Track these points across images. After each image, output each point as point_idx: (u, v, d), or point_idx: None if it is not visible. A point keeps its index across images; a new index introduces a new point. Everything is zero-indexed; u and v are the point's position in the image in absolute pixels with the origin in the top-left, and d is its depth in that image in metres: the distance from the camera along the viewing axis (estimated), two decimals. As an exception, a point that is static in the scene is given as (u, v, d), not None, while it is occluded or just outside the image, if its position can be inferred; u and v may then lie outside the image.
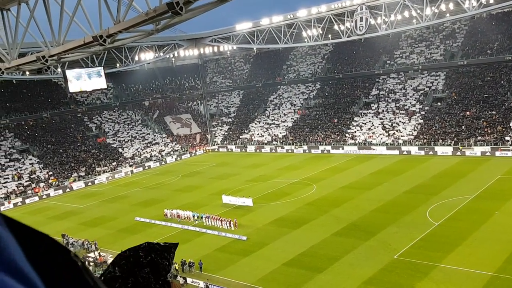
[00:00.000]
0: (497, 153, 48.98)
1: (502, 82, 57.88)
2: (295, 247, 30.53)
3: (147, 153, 72.01)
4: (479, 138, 52.05)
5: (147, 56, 70.12)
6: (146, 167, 68.16)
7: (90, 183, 60.96)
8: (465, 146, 51.91)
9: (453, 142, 53.41)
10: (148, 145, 74.53)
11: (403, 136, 58.94)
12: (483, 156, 49.73)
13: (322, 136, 66.60)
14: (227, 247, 32.67)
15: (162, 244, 1.68)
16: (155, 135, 77.96)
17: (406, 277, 24.88)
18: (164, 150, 74.21)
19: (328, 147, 63.74)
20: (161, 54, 72.31)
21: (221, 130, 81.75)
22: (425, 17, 49.15)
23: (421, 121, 60.14)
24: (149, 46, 67.15)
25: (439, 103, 61.63)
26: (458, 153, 51.81)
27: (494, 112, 54.60)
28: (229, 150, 75.64)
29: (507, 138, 50.00)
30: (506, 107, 54.29)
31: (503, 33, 60.35)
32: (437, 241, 28.99)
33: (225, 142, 78.02)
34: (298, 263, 28.23)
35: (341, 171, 51.57)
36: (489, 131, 52.23)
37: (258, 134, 74.96)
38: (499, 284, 22.73)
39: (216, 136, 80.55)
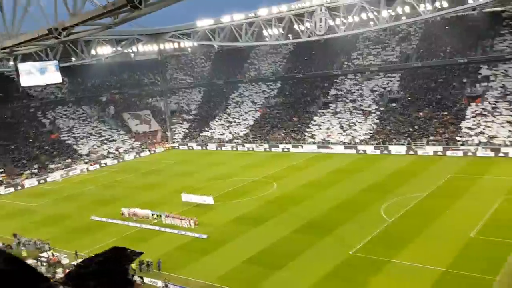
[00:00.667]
0: (448, 153, 51.21)
1: (454, 84, 60.51)
2: (255, 245, 30.75)
3: (104, 150, 70.16)
4: (431, 138, 54.21)
5: (105, 50, 68.24)
6: (103, 165, 66.41)
7: (43, 181, 58.76)
8: (418, 145, 53.91)
9: (406, 141, 55.36)
10: (105, 142, 72.63)
11: (360, 135, 60.51)
12: (435, 155, 51.84)
13: (283, 134, 67.30)
14: (187, 245, 32.45)
15: (129, 250, 1.70)
16: (112, 132, 76.08)
17: (361, 272, 25.64)
18: (122, 147, 72.56)
19: (289, 146, 64.51)
20: (120, 48, 70.50)
21: (181, 127, 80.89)
22: (382, 19, 50.68)
23: (377, 121, 61.94)
24: (107, 40, 65.32)
25: (394, 104, 63.67)
26: (412, 152, 53.78)
27: (446, 113, 57.03)
28: (190, 148, 75.00)
29: (458, 138, 52.37)
30: (457, 108, 56.83)
31: (456, 37, 62.95)
32: (391, 237, 30.03)
33: (186, 139, 77.27)
34: (258, 261, 28.46)
35: (301, 169, 52.33)
36: (441, 131, 54.52)
37: (219, 132, 74.73)
38: (449, 280, 23.79)
39: (177, 134, 79.62)
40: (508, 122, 50.76)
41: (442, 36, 64.29)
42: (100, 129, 75.51)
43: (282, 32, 60.88)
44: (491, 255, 25.51)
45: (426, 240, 28.92)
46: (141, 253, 1.80)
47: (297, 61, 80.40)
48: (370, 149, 57.58)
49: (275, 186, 45.54)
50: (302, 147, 63.36)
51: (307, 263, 27.36)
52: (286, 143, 65.29)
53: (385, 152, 56.04)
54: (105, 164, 66.73)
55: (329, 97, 71.06)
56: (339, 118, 65.75)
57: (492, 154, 48.40)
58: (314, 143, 63.10)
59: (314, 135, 64.69)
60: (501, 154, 47.88)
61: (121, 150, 71.39)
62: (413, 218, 32.89)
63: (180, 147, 76.31)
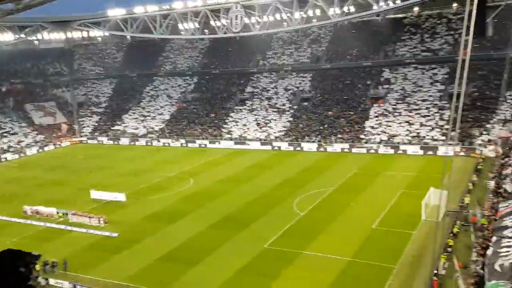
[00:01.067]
0: (354, 150, 54.70)
1: (360, 85, 64.66)
2: (170, 242, 30.36)
3: (4, 143, 64.36)
4: (339, 136, 57.47)
5: (6, 37, 62.72)
6: (3, 159, 60.99)
7: None
8: (327, 142, 56.82)
9: (317, 139, 58.08)
10: (5, 135, 66.66)
11: (275, 132, 62.24)
12: (342, 152, 55.07)
13: (200, 130, 66.92)
14: (96, 245, 31.06)
15: (23, 252, 1.67)
16: (13, 124, 70.06)
17: (274, 264, 26.51)
18: (24, 141, 67.10)
19: (206, 142, 64.37)
20: (22, 35, 65.09)
21: (90, 120, 76.81)
22: (294, 21, 52.52)
23: (291, 119, 64.16)
24: (8, 27, 60.02)
25: (306, 103, 66.39)
26: (322, 149, 56.58)
27: (352, 113, 60.76)
28: (100, 142, 71.51)
29: (362, 136, 56.10)
30: (362, 109, 60.83)
31: (362, 41, 67.27)
32: (302, 230, 31.42)
33: (95, 133, 73.53)
34: (173, 258, 28.14)
35: (218, 165, 52.53)
36: (348, 130, 58.02)
37: (132, 126, 72.19)
38: (355, 268, 25.53)
39: (85, 127, 75.44)
40: (406, 122, 55.45)
41: (349, 40, 68.27)
42: (0, 121, 69.22)
43: (198, 26, 60.44)
44: (390, 244, 27.90)
45: (333, 232, 30.69)
46: (38, 255, 1.78)
47: (213, 57, 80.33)
48: (284, 145, 59.49)
49: (191, 181, 45.23)
50: (219, 143, 63.57)
51: (223, 258, 27.66)
52: (203, 138, 65.08)
53: (298, 148, 58.30)
54: (5, 158, 61.37)
55: (245, 94, 72.04)
56: (255, 115, 66.96)
57: (392, 151, 52.61)
58: (231, 139, 63.63)
59: (231, 131, 65.23)
60: (400, 152, 52.21)
61: (22, 144, 66.00)
62: (322, 211, 34.69)
63: (89, 141, 72.48)
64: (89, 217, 34.57)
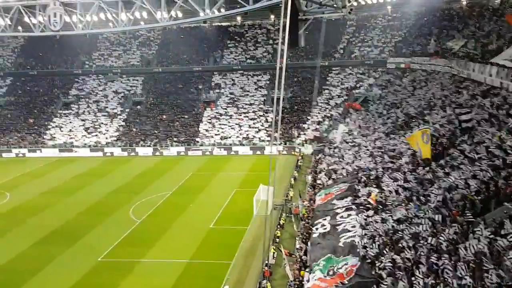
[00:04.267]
0: (190, 153, 55.65)
1: (192, 90, 66.01)
2: (-17, 269, 26.32)
3: None
4: (174, 139, 57.72)
5: None
6: None
7: None
8: (163, 146, 56.54)
9: (153, 143, 57.29)
10: None
11: (106, 138, 59.20)
12: (179, 155, 55.50)
13: (16, 138, 59.39)
14: None
15: None
16: None
17: (110, 277, 25.26)
18: None
19: (24, 150, 57.54)
20: None
21: None
22: (121, 22, 50.67)
23: (123, 123, 61.87)
24: None
25: (138, 107, 64.86)
26: (158, 153, 56.04)
27: (186, 116, 61.68)
28: None
29: (197, 139, 57.40)
30: (195, 112, 62.24)
31: (192, 46, 68.77)
32: (139, 237, 30.63)
33: None
34: (-13, 286, 24.49)
35: (40, 175, 47.52)
36: (183, 133, 58.69)
37: None
38: (194, 269, 25.97)
39: None
40: (237, 124, 58.77)
41: (180, 45, 69.16)
42: None
43: (10, 23, 53.56)
44: (226, 241, 29.25)
45: (172, 236, 30.74)
46: None
47: (30, 57, 72.26)
48: (117, 151, 57.04)
49: (8, 196, 39.96)
50: (40, 151, 57.53)
51: (53, 276, 25.21)
52: (21, 147, 57.98)
53: (133, 154, 56.58)
54: None
55: (70, 97, 66.75)
56: (83, 119, 62.56)
57: (225, 152, 55.17)
58: (55, 146, 58.17)
59: (54, 137, 59.61)
60: (232, 153, 55.08)
61: None
62: (160, 217, 34.42)
63: None
64: None
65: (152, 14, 34.96)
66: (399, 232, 19.53)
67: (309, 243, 24.04)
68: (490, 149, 21.26)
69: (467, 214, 17.58)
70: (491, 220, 16.26)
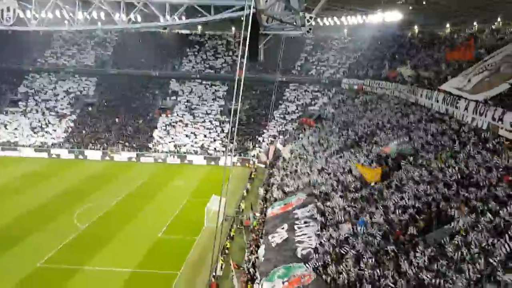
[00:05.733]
0: (142, 159, 54.47)
1: (148, 94, 64.94)
2: None
3: None
4: (126, 144, 56.35)
5: None
6: None
7: None
8: (113, 151, 55.02)
9: (102, 147, 55.63)
10: None
11: (54, 139, 56.90)
12: (130, 161, 54.20)
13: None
14: None
15: None
16: None
17: (49, 283, 24.28)
18: None
19: (-40, 148, 54.14)
20: None
21: None
22: (77, 21, 49.23)
23: (72, 124, 59.77)
24: None
25: (90, 108, 62.90)
26: (107, 158, 54.44)
27: (140, 121, 60.49)
28: None
29: (150, 145, 56.38)
30: (150, 118, 61.20)
31: (150, 51, 67.62)
32: (83, 244, 29.58)
33: None
34: None
35: (-23, 175, 44.80)
36: (136, 139, 57.45)
37: None
38: (138, 279, 25.39)
39: None
40: (192, 133, 58.33)
41: (137, 48, 67.91)
42: None
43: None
44: (175, 251, 28.85)
45: (117, 244, 29.90)
46: None
47: (-24, 49, 68.38)
48: (64, 153, 54.90)
49: None
50: (-20, 149, 54.36)
51: (-16, 285, 23.80)
52: (-42, 144, 54.52)
53: (81, 157, 54.65)
54: None
55: (18, 94, 63.73)
56: (29, 118, 59.85)
57: (179, 161, 54.50)
58: (-4, 145, 55.20)
59: (-4, 135, 56.57)
60: (186, 161, 54.49)
61: None
62: (107, 223, 33.41)
63: None
64: None
65: (110, 15, 34.25)
66: (345, 248, 20.07)
67: (263, 252, 24.07)
68: (433, 172, 22.42)
69: (409, 233, 18.40)
70: (432, 240, 17.09)
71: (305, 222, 25.55)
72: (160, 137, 57.80)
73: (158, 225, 33.03)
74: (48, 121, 59.77)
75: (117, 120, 60.53)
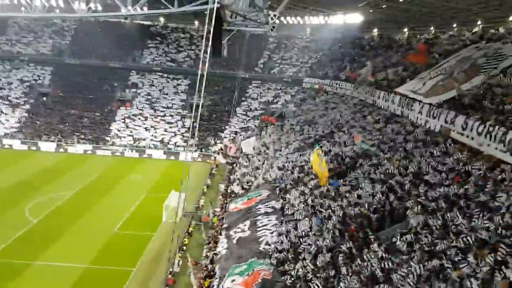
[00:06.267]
0: (98, 152, 52.98)
1: (106, 86, 63.22)
2: None
3: None
4: (82, 136, 54.70)
5: None
6: None
7: None
8: (68, 143, 53.27)
9: (57, 138, 53.77)
10: None
11: (6, 129, 54.41)
12: (86, 154, 52.60)
13: None
14: None
15: None
16: None
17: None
18: None
19: None
20: None
21: None
22: (35, 7, 47.24)
23: (26, 114, 57.38)
24: None
25: (45, 98, 60.54)
26: (62, 150, 52.65)
27: (98, 113, 58.86)
28: None
29: (107, 138, 54.98)
30: (108, 110, 59.63)
31: (110, 41, 65.67)
32: (34, 238, 28.63)
33: None
34: None
35: None
36: (92, 131, 55.86)
37: None
38: (92, 275, 24.81)
39: None
40: (152, 127, 57.36)
41: (96, 38, 65.90)
42: None
43: None
44: (131, 247, 28.37)
45: (71, 239, 29.09)
46: None
47: None
48: (17, 144, 52.66)
49: None
50: None
51: None
52: None
53: (34, 148, 52.58)
54: None
55: (-34, 81, 60.47)
56: (-22, 107, 56.95)
57: (137, 155, 53.46)
58: None
59: None
60: (145, 155, 53.52)
61: None
62: (60, 217, 32.41)
63: None
64: None
65: (69, 2, 33.15)
66: (302, 244, 20.42)
67: (225, 246, 24.02)
68: (388, 172, 23.19)
69: (364, 230, 18.97)
70: (384, 237, 17.69)
71: (267, 218, 25.74)
72: (118, 130, 56.49)
73: (114, 220, 32.37)
74: (1, 110, 57.06)
75: (73, 111, 58.62)
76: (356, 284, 15.65)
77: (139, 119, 58.55)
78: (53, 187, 38.67)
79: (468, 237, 14.48)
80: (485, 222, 14.79)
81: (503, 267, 12.30)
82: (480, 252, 13.40)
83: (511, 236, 13.57)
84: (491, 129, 18.32)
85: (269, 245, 22.15)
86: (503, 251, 12.86)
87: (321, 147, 30.43)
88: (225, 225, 27.48)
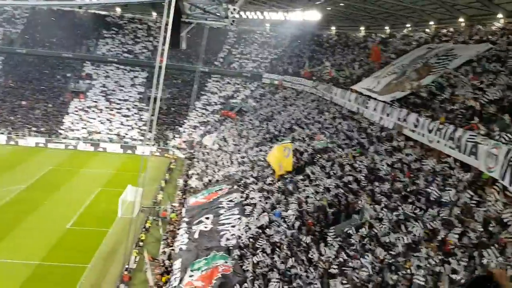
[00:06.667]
0: (50, 145, 51.01)
1: (59, 77, 60.86)
2: None
3: None
4: (33, 128, 52.48)
5: None
6: None
7: None
8: (19, 135, 50.95)
9: (7, 130, 51.32)
10: None
11: None
12: (37, 147, 50.50)
13: None
14: None
15: None
16: None
17: None
18: None
19: None
20: None
21: None
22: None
23: (-28, 105, 54.38)
24: None
25: (-6, 88, 57.63)
26: (12, 142, 50.33)
27: (50, 105, 56.59)
28: None
29: (60, 131, 53.01)
30: (61, 101, 57.46)
31: (63, 30, 63.14)
32: (-18, 236, 27.29)
33: None
34: None
35: None
36: (44, 123, 53.67)
37: None
38: (44, 272, 23.98)
39: None
40: (107, 119, 55.82)
41: (49, 27, 63.32)
42: None
43: None
44: (85, 243, 27.61)
45: (21, 235, 27.99)
46: None
47: None
48: (-40, 136, 49.88)
49: None
50: None
51: None
52: None
53: (-20, 141, 49.99)
54: None
55: None
56: None
57: (92, 148, 51.90)
58: None
59: None
60: (100, 149, 52.03)
61: None
62: (8, 213, 31.08)
63: None
64: None
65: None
66: (261, 238, 20.64)
67: (185, 241, 23.77)
68: (344, 167, 23.80)
69: (320, 224, 19.42)
70: (340, 231, 18.18)
71: (230, 212, 25.77)
72: (72, 123, 54.61)
73: (67, 215, 31.37)
74: None
75: (24, 102, 56.07)
76: (313, 277, 16.02)
77: (94, 111, 56.85)
78: (3, 181, 36.97)
79: (418, 231, 15.14)
80: (434, 215, 15.50)
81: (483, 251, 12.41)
82: (429, 245, 14.04)
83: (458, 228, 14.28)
84: (441, 126, 19.10)
85: (229, 239, 22.25)
86: (451, 244, 13.53)
87: (292, 142, 30.59)
88: (185, 219, 27.25)
